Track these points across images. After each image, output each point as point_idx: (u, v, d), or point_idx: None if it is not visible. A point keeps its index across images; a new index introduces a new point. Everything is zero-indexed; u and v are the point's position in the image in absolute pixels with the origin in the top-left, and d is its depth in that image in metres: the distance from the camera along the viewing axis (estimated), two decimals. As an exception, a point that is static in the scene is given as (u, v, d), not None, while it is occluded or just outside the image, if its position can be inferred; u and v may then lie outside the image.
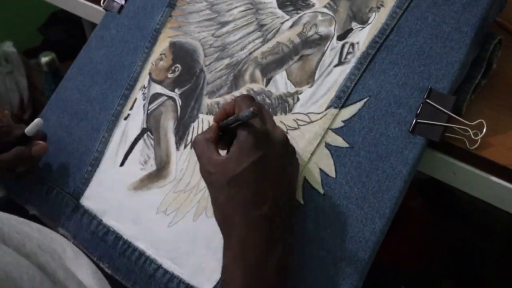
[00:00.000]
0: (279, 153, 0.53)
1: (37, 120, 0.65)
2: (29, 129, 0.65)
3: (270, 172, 0.51)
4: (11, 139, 0.65)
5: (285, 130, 0.61)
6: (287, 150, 0.54)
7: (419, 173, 0.59)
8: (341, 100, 0.60)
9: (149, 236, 0.63)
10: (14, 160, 0.65)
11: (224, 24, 0.71)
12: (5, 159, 0.64)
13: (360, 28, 0.63)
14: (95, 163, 0.70)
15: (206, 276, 0.59)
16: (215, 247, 0.59)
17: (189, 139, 0.66)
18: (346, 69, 0.61)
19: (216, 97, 0.67)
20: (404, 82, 0.58)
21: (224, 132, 0.56)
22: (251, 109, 0.49)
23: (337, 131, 0.59)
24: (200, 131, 0.66)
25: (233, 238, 0.51)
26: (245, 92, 0.65)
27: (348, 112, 0.59)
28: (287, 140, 0.54)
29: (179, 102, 0.69)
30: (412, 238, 0.97)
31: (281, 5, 0.69)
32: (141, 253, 0.63)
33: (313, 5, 0.67)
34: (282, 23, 0.68)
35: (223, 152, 0.55)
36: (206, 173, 0.53)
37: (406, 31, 0.60)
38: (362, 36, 0.62)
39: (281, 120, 0.62)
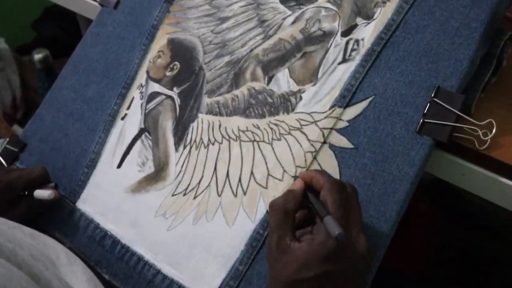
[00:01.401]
0: (353, 270, 0.48)
1: (50, 193, 0.64)
2: (39, 194, 0.65)
3: (337, 285, 0.48)
4: (14, 196, 0.65)
5: (287, 130, 0.61)
6: (366, 261, 0.49)
7: (427, 175, 0.59)
8: (346, 99, 0.60)
9: (148, 240, 0.63)
10: (25, 214, 0.65)
11: (224, 20, 0.71)
12: (16, 215, 0.63)
13: (365, 24, 0.63)
14: (92, 164, 0.70)
15: (206, 281, 0.59)
16: (216, 251, 0.60)
17: (188, 139, 0.66)
18: (350, 66, 0.61)
19: (216, 96, 0.67)
20: (410, 80, 0.58)
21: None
22: (337, 233, 0.45)
23: (341, 131, 0.59)
24: (199, 131, 0.66)
25: None
26: (245, 91, 0.65)
27: (353, 111, 0.59)
28: (368, 250, 0.49)
29: (178, 101, 0.69)
30: (419, 242, 0.97)
31: None
32: (140, 258, 0.63)
33: (316, 0, 0.67)
34: (284, 18, 0.68)
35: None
36: (270, 255, 0.50)
37: (413, 27, 0.61)
38: (367, 32, 0.62)
39: (284, 120, 0.62)
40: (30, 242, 0.52)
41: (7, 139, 0.77)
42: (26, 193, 0.66)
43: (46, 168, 0.69)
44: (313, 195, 0.52)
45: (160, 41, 0.73)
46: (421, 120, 0.56)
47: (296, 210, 0.52)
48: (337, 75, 0.62)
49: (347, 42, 0.63)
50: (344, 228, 0.47)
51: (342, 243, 0.47)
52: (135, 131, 0.70)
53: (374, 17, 0.63)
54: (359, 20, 0.64)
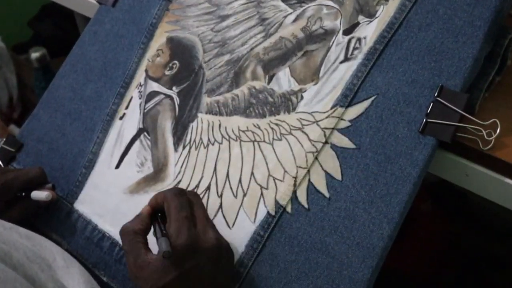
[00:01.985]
0: (210, 261, 0.53)
1: (47, 194, 0.65)
2: (36, 195, 0.65)
3: (199, 284, 0.52)
4: (10, 197, 0.65)
5: (288, 130, 0.61)
6: (220, 255, 0.55)
7: (430, 175, 0.59)
8: (348, 98, 0.60)
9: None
10: (22, 215, 0.65)
11: (224, 18, 0.71)
12: (13, 216, 0.64)
13: (367, 22, 0.63)
14: (90, 165, 0.70)
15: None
16: (216, 253, 0.60)
17: (188, 139, 0.66)
18: (352, 65, 0.62)
19: (216, 96, 0.67)
20: (413, 79, 0.58)
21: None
22: (164, 251, 0.50)
23: (343, 131, 0.59)
24: (199, 131, 0.66)
25: None
26: (246, 91, 0.65)
27: (355, 111, 0.60)
28: (219, 243, 0.55)
29: (177, 100, 0.69)
30: (422, 244, 0.97)
31: (284, -2, 0.69)
32: (138, 260, 0.63)
33: (317, -2, 0.67)
34: (285, 16, 0.68)
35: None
36: (132, 275, 0.54)
37: (416, 25, 0.61)
38: (369, 31, 0.62)
39: (285, 120, 0.62)
40: (26, 243, 0.52)
41: (4, 139, 0.77)
42: (23, 194, 0.66)
43: (43, 169, 0.69)
44: (157, 217, 0.56)
45: (159, 40, 0.74)
46: (424, 120, 0.56)
47: (145, 231, 0.56)
48: (339, 74, 0.62)
49: (349, 41, 0.63)
50: (190, 226, 0.53)
51: (192, 241, 0.52)
52: (133, 131, 0.70)
53: (377, 15, 0.63)
54: (361, 18, 0.64)
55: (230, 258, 0.57)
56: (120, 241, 0.64)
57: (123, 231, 0.55)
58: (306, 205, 0.58)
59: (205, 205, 0.62)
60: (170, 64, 0.71)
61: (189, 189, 0.63)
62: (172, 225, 0.53)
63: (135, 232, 0.55)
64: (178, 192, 0.56)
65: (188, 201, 0.56)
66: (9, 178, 0.66)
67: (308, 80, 0.63)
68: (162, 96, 0.70)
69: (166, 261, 0.51)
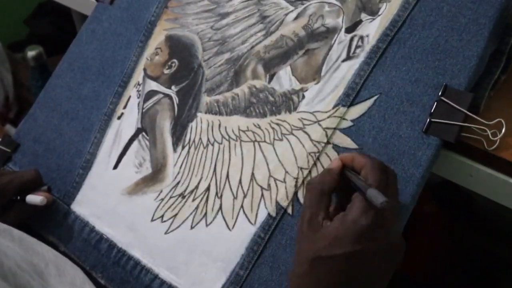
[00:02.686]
0: (384, 255, 0.49)
1: (42, 199, 0.65)
2: (31, 199, 0.65)
3: (361, 273, 0.48)
4: (6, 201, 0.65)
5: (289, 130, 0.61)
6: (395, 253, 0.50)
7: (434, 176, 0.59)
8: (350, 97, 0.60)
9: (145, 244, 0.64)
10: (17, 219, 0.65)
11: (224, 15, 0.71)
12: (8, 220, 0.63)
13: (370, 20, 0.63)
14: (87, 165, 0.70)
15: (205, 286, 0.59)
16: (215, 255, 0.60)
17: (187, 139, 0.66)
18: (355, 64, 0.62)
19: (215, 95, 0.67)
20: (417, 78, 0.59)
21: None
22: (383, 201, 0.45)
23: (345, 131, 0.59)
24: (198, 131, 0.66)
25: None
26: (246, 90, 0.65)
27: (357, 110, 0.60)
28: (401, 243, 0.50)
29: (176, 100, 0.69)
30: (425, 246, 0.97)
31: (285, -5, 0.69)
32: (137, 262, 0.63)
33: (319, -4, 0.67)
34: (286, 14, 0.68)
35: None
36: (300, 233, 0.51)
37: (419, 23, 0.61)
38: (372, 29, 0.62)
39: (286, 120, 0.62)
40: (17, 250, 0.52)
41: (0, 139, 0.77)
42: (18, 197, 0.66)
43: (38, 171, 0.69)
44: (354, 173, 0.52)
45: (157, 38, 0.74)
46: (428, 120, 0.56)
47: (332, 190, 0.52)
48: (341, 73, 0.62)
49: (351, 39, 0.63)
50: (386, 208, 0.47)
51: (377, 226, 0.47)
52: (132, 131, 0.70)
53: (379, 12, 0.63)
54: (363, 16, 0.64)
55: (399, 260, 0.51)
56: (118, 243, 0.65)
57: (310, 187, 0.52)
58: (307, 207, 0.58)
59: (204, 207, 0.62)
60: (169, 63, 0.72)
61: (188, 190, 0.64)
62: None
63: (322, 189, 0.51)
64: (381, 166, 0.51)
65: (387, 180, 0.50)
66: (4, 182, 0.65)
67: (309, 79, 0.63)
68: (160, 95, 0.70)
69: (340, 231, 0.47)
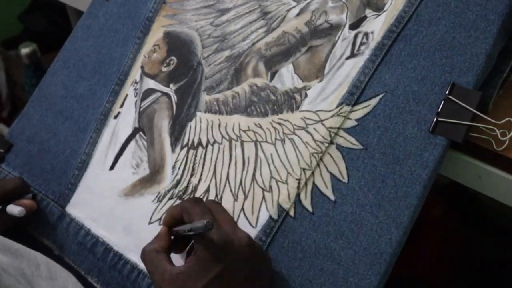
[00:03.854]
0: (243, 261, 0.52)
1: (20, 210, 0.64)
2: (10, 210, 0.65)
3: (236, 284, 0.52)
4: None
5: (292, 130, 0.61)
6: (253, 253, 0.54)
7: (441, 177, 0.59)
8: (354, 96, 0.60)
9: (142, 247, 0.64)
10: (1, 229, 0.64)
11: (224, 11, 0.72)
12: None
13: (375, 16, 0.63)
14: (82, 166, 0.71)
15: (205, 291, 0.60)
16: (215, 259, 0.60)
17: (185, 139, 0.66)
18: (359, 61, 0.62)
19: (215, 93, 0.67)
20: (423, 76, 0.59)
21: (176, 236, 0.57)
22: (205, 222, 0.49)
23: (349, 131, 0.59)
24: (198, 131, 0.66)
25: None
26: (247, 88, 0.66)
27: (362, 109, 0.60)
28: (250, 241, 0.54)
29: (174, 98, 0.69)
30: (433, 249, 0.98)
31: (287, -10, 0.69)
32: (134, 266, 0.63)
33: (322, -9, 0.67)
34: (288, 10, 0.68)
35: (177, 260, 0.55)
36: None
37: (426, 19, 0.61)
38: (377, 25, 0.62)
39: (288, 119, 0.62)
40: (1, 257, 0.52)
41: (-8, 139, 0.78)
42: (0, 207, 0.65)
43: (23, 179, 0.70)
44: (179, 227, 0.55)
45: (155, 34, 0.74)
46: (435, 119, 0.56)
47: (166, 248, 0.55)
48: (345, 71, 0.62)
49: (356, 36, 0.63)
50: (217, 227, 0.51)
51: (222, 241, 0.51)
52: (129, 131, 0.70)
53: (385, 8, 0.63)
54: (368, 12, 0.64)
55: (265, 258, 0.56)
56: (114, 247, 0.65)
57: (144, 253, 0.55)
58: (310, 209, 0.58)
59: (204, 208, 0.62)
60: (167, 60, 0.72)
61: (187, 191, 0.64)
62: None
63: (156, 250, 0.54)
64: (195, 201, 0.56)
65: (207, 206, 0.55)
66: None
67: (312, 77, 0.63)
68: (158, 94, 0.70)
69: (197, 266, 0.50)
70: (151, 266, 0.54)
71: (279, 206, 0.59)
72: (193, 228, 0.51)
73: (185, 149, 0.66)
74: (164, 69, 0.71)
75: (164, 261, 0.53)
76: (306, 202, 0.58)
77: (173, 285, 0.51)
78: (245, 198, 0.61)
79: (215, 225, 0.51)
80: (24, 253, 0.55)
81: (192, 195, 0.63)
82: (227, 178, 0.62)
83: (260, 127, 0.63)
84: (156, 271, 0.53)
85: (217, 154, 0.64)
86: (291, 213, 0.59)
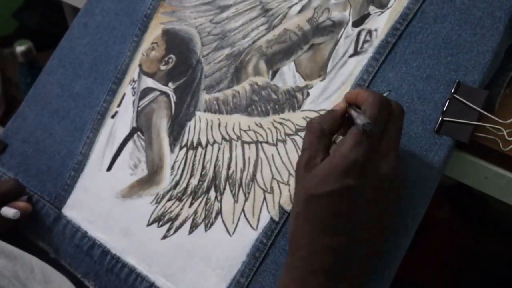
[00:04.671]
0: (378, 191, 0.49)
1: (15, 212, 0.64)
2: (4, 212, 0.65)
3: (353, 211, 0.49)
4: None
5: (293, 129, 0.62)
6: (390, 192, 0.51)
7: (446, 179, 0.59)
8: (357, 95, 0.60)
9: (140, 250, 0.64)
10: None
11: (224, 8, 0.72)
12: None
13: (379, 13, 0.63)
14: (79, 167, 0.71)
15: (204, 295, 0.60)
16: (215, 262, 0.60)
17: (185, 139, 0.66)
18: (362, 59, 0.62)
19: (215, 92, 0.67)
20: (428, 74, 0.59)
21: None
22: (365, 122, 0.47)
23: (352, 130, 0.59)
24: (197, 131, 0.66)
25: (296, 261, 0.50)
26: (247, 87, 0.66)
27: (365, 109, 0.60)
28: (394, 179, 0.51)
29: (173, 97, 0.69)
30: (438, 253, 0.98)
31: (289, -13, 0.69)
32: (131, 270, 0.64)
33: (325, -13, 0.67)
34: (290, 7, 0.68)
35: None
36: (297, 174, 0.52)
37: (431, 16, 0.61)
38: (381, 22, 0.63)
39: (289, 119, 0.62)
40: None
41: (-14, 140, 0.78)
42: None
43: (18, 180, 0.70)
44: (354, 108, 0.52)
45: (154, 32, 0.74)
46: (440, 119, 0.56)
47: (333, 132, 0.53)
48: (348, 69, 0.62)
49: (359, 33, 0.63)
50: (373, 144, 0.49)
51: (363, 157, 0.48)
52: (126, 131, 0.70)
53: (389, 5, 0.63)
54: (372, 9, 0.64)
55: (399, 198, 0.52)
56: (111, 250, 0.65)
57: (310, 126, 0.52)
58: (312, 211, 0.58)
59: (203, 211, 0.62)
60: (166, 59, 0.72)
61: (186, 193, 0.64)
62: (353, 135, 0.49)
63: (322, 130, 0.52)
64: (381, 101, 0.51)
65: (387, 114, 0.51)
66: None
67: (314, 76, 0.64)
68: (157, 92, 0.70)
69: (330, 168, 0.48)
70: (308, 143, 0.52)
71: (281, 207, 0.59)
72: (356, 119, 0.48)
73: (184, 149, 0.66)
74: (162, 67, 0.72)
75: (322, 146, 0.51)
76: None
77: (308, 175, 0.50)
78: (246, 199, 0.61)
79: (372, 133, 0.48)
80: (18, 256, 0.56)
81: (191, 197, 0.63)
82: (227, 179, 0.63)
83: (261, 127, 0.63)
84: (309, 150, 0.51)
85: (217, 155, 0.64)
86: (293, 215, 0.59)
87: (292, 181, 0.59)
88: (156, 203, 0.65)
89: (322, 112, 0.61)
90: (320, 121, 0.53)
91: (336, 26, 0.65)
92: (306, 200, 0.50)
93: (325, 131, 0.52)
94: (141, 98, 0.71)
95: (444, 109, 0.57)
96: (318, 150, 0.51)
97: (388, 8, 0.63)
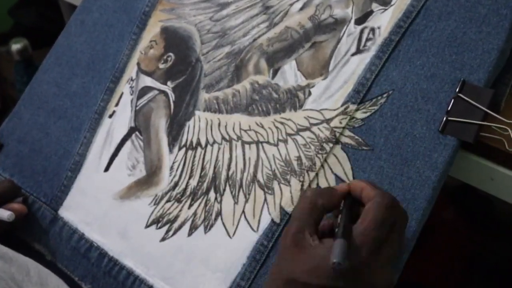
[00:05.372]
0: None
1: (9, 214, 0.64)
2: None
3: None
4: None
5: (295, 129, 0.62)
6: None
7: (451, 179, 0.59)
8: (360, 94, 0.60)
9: (138, 252, 0.64)
10: None
11: (224, 5, 0.72)
12: None
13: (382, 10, 0.63)
14: (76, 168, 0.71)
15: (204, 298, 0.60)
16: (214, 265, 0.60)
17: (184, 140, 0.66)
18: (365, 58, 0.62)
19: (214, 91, 0.67)
20: (433, 73, 0.59)
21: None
22: (336, 262, 0.44)
23: (355, 130, 0.59)
24: (196, 130, 0.66)
25: None
26: (248, 86, 0.66)
27: (368, 108, 0.60)
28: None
29: (172, 96, 0.69)
30: (443, 254, 0.98)
31: (290, -17, 0.69)
32: (129, 272, 0.64)
33: (327, -16, 0.67)
34: (291, 4, 0.68)
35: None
36: (282, 244, 0.50)
37: (435, 14, 0.61)
38: (384, 20, 0.63)
39: (291, 118, 0.62)
40: None
41: (-19, 140, 0.78)
42: None
43: (13, 181, 0.70)
44: (351, 204, 0.51)
45: (152, 30, 0.74)
46: (445, 118, 0.56)
47: (327, 208, 0.51)
48: (350, 68, 0.62)
49: (362, 31, 0.63)
50: (373, 252, 0.47)
51: (357, 269, 0.46)
52: (124, 131, 0.70)
53: (392, 2, 0.63)
54: (375, 6, 0.64)
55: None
56: (109, 252, 0.65)
57: (304, 196, 0.51)
58: (314, 212, 0.58)
59: (203, 212, 0.62)
60: (165, 57, 0.72)
61: (185, 194, 0.64)
62: (361, 231, 0.48)
63: (315, 203, 0.50)
64: (391, 205, 0.49)
65: (394, 221, 0.49)
66: None
67: (316, 74, 0.64)
68: (155, 91, 0.70)
69: (323, 261, 0.46)
70: (298, 213, 0.50)
71: (282, 209, 0.59)
72: (333, 244, 0.46)
73: (183, 149, 0.66)
74: (161, 66, 0.72)
75: (312, 220, 0.50)
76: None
77: (293, 250, 0.48)
78: (246, 201, 0.61)
79: (344, 268, 0.45)
80: (14, 258, 0.56)
81: (190, 198, 0.63)
82: (227, 179, 0.63)
83: (262, 126, 0.64)
84: (297, 221, 0.50)
85: (217, 155, 0.64)
86: (294, 216, 0.59)
87: (294, 182, 0.59)
88: (154, 204, 0.65)
89: (324, 112, 0.61)
90: (317, 194, 0.51)
91: (338, 23, 0.65)
92: (287, 281, 0.48)
93: (318, 206, 0.51)
94: (139, 97, 0.71)
95: (449, 108, 0.57)
96: (308, 223, 0.50)
97: (392, 5, 0.63)
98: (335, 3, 0.66)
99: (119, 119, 0.71)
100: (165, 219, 0.64)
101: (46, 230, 0.69)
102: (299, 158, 0.60)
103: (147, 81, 0.71)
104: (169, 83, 0.70)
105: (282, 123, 0.63)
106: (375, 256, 0.48)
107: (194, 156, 0.65)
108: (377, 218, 0.48)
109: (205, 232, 0.62)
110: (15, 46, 1.27)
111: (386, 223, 0.48)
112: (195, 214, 0.63)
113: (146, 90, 0.71)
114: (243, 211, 0.61)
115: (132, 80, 0.72)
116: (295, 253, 0.48)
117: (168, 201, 0.65)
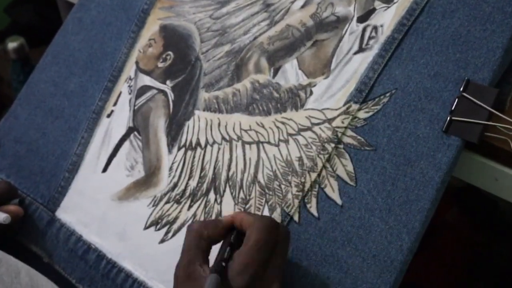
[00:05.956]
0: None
1: (5, 217, 0.63)
2: None
3: None
4: None
5: (296, 129, 0.62)
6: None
7: (455, 180, 0.59)
8: (362, 93, 0.60)
9: (137, 254, 0.64)
10: None
11: (224, 3, 0.72)
12: None
13: (385, 8, 0.63)
14: (73, 168, 0.71)
15: (203, 301, 0.60)
16: (214, 267, 0.60)
17: (183, 140, 0.66)
18: (368, 56, 0.62)
19: (214, 91, 0.67)
20: (436, 72, 0.59)
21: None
22: (210, 277, 0.47)
23: (357, 130, 0.59)
24: (196, 130, 0.66)
25: None
26: (248, 85, 0.66)
27: (371, 108, 0.60)
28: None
29: (171, 96, 0.69)
30: (446, 257, 0.98)
31: (291, -19, 0.69)
32: (128, 275, 0.64)
33: (328, -19, 0.67)
34: (292, 2, 0.68)
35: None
36: (176, 276, 0.52)
37: (439, 12, 0.61)
38: (386, 18, 0.63)
39: (292, 118, 0.62)
40: None
41: (-23, 140, 0.78)
42: None
43: (9, 183, 0.70)
44: (232, 238, 0.53)
45: (151, 28, 0.74)
46: (448, 118, 0.56)
47: (213, 239, 0.53)
48: (352, 67, 0.62)
49: (364, 29, 0.63)
50: (258, 274, 0.49)
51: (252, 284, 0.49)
52: (122, 130, 0.70)
53: (395, 0, 0.63)
54: (377, 4, 0.64)
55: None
56: (107, 254, 0.65)
57: (191, 228, 0.53)
58: (315, 214, 0.58)
59: (202, 213, 0.62)
60: (164, 55, 0.72)
61: (184, 195, 0.64)
62: (240, 261, 0.50)
63: (201, 235, 0.52)
64: (270, 226, 0.52)
65: (274, 241, 0.52)
66: None
67: (318, 73, 0.64)
68: (154, 91, 0.70)
69: None
70: (187, 246, 0.52)
71: (283, 211, 0.59)
72: (209, 277, 0.48)
73: (183, 150, 0.66)
74: (160, 64, 0.72)
75: (200, 252, 0.52)
76: (312, 207, 0.58)
77: (185, 281, 0.51)
78: (246, 202, 0.61)
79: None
80: (4, 259, 0.56)
81: (190, 199, 0.63)
82: (227, 180, 0.63)
83: (263, 126, 0.63)
84: (187, 254, 0.52)
85: (217, 155, 0.64)
86: (296, 218, 0.59)
87: (295, 183, 0.59)
88: (153, 205, 0.65)
89: (326, 112, 0.61)
90: (201, 225, 0.53)
91: (340, 21, 0.65)
92: None
93: (204, 237, 0.52)
94: (138, 96, 0.71)
95: (453, 108, 0.57)
96: (196, 254, 0.52)
97: (394, 3, 0.63)
98: (337, 0, 0.66)
99: (117, 118, 0.71)
100: (164, 221, 0.64)
101: (43, 232, 0.69)
102: (300, 159, 0.60)
103: (146, 80, 0.71)
104: (168, 82, 0.70)
105: (283, 123, 0.63)
106: (259, 282, 0.50)
107: (194, 157, 0.65)
108: (258, 242, 0.50)
109: (205, 234, 0.62)
110: (12, 45, 1.27)
111: (268, 244, 0.51)
112: (194, 215, 0.63)
113: (144, 89, 0.71)
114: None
115: (130, 79, 0.72)
116: (187, 286, 0.51)
117: (167, 202, 0.65)
